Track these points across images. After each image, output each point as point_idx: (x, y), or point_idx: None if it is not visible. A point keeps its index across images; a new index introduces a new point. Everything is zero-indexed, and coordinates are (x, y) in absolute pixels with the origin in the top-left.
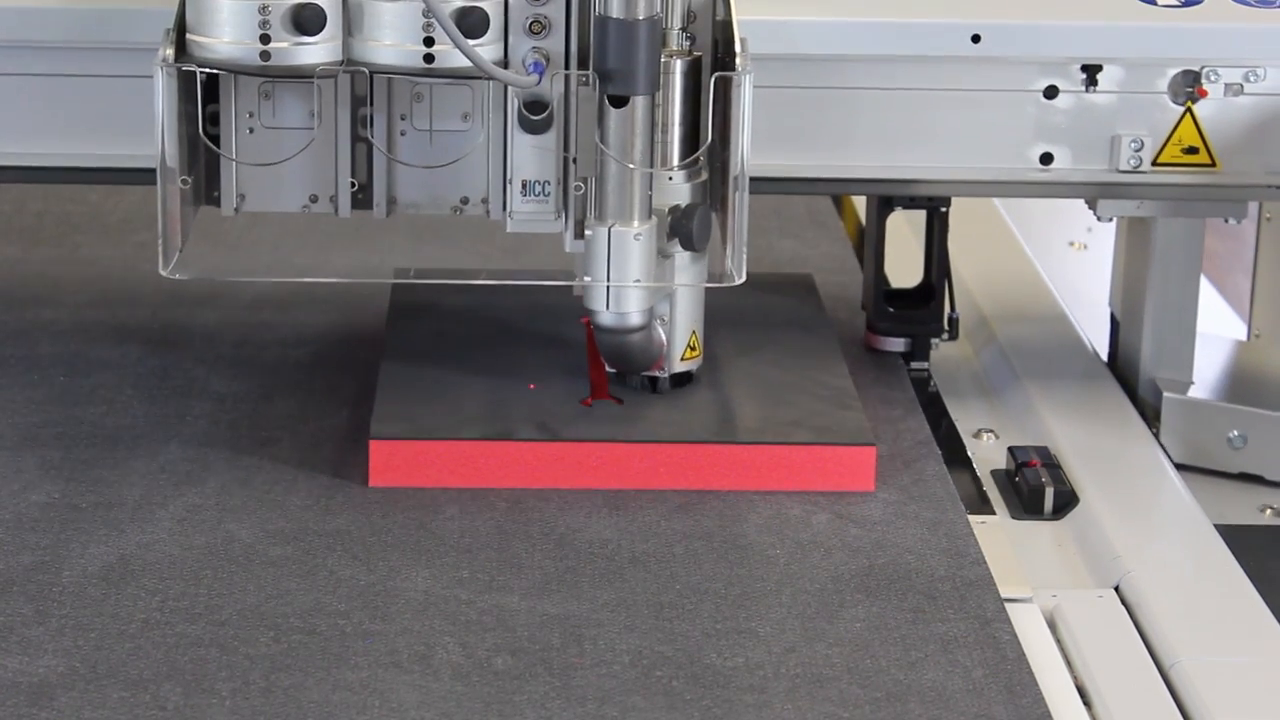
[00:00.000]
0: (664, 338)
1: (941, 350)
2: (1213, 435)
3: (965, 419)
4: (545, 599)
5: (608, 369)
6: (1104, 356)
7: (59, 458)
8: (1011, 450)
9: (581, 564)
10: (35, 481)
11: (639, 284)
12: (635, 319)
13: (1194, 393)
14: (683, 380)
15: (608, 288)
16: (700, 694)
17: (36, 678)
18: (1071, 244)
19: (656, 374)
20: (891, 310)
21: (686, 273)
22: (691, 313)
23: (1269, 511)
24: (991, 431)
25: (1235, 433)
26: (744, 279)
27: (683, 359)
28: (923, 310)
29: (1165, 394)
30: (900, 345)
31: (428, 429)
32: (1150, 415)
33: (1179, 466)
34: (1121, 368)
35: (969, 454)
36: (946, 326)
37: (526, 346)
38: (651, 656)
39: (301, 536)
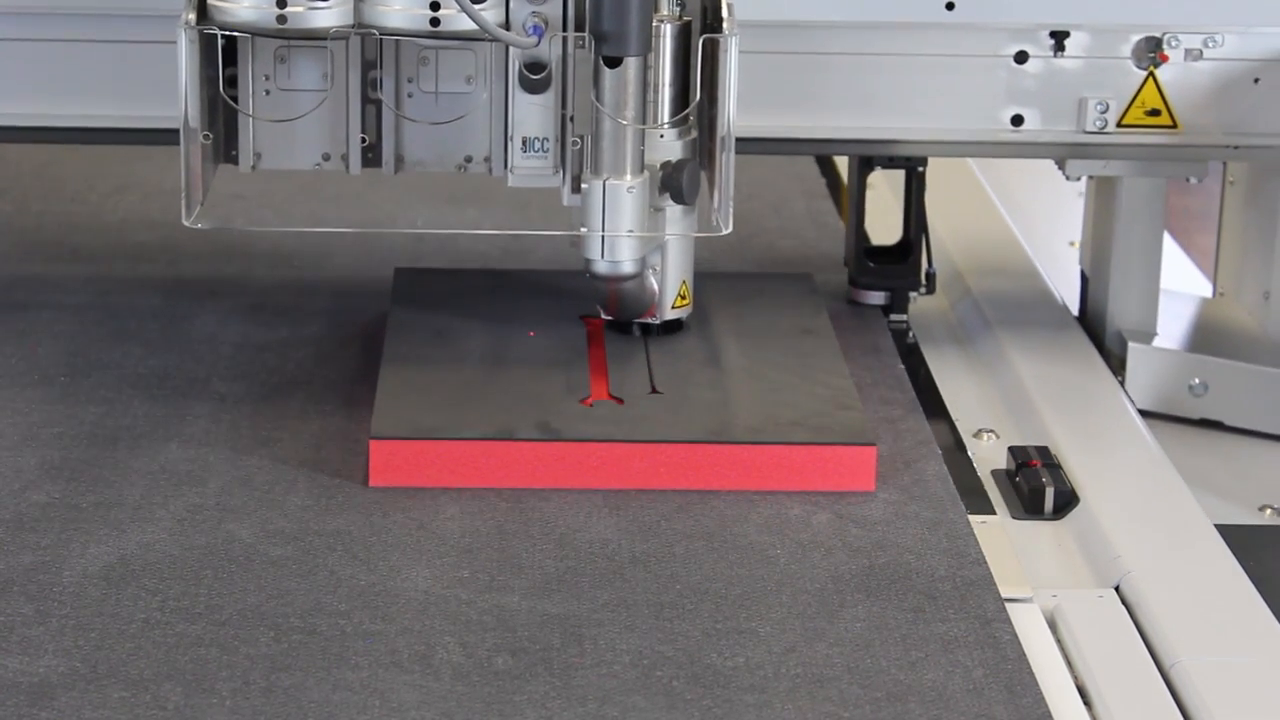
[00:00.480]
0: (656, 286)
1: (919, 303)
2: (1175, 383)
3: (941, 365)
4: (546, 599)
5: (602, 315)
6: (1075, 312)
7: (59, 458)
8: (1012, 450)
9: (582, 564)
10: (35, 481)
11: (632, 234)
12: (628, 267)
13: (1159, 343)
14: (673, 327)
15: (603, 237)
16: (700, 694)
17: (37, 678)
18: (1071, 244)
19: (649, 320)
20: (872, 265)
21: (677, 224)
22: (682, 263)
23: (1269, 512)
24: (992, 431)
25: (1196, 380)
26: (730, 229)
27: (673, 306)
28: (901, 265)
29: (1130, 344)
30: (880, 299)
31: (428, 429)
32: (1116, 365)
33: (1143, 413)
34: (1091, 321)
35: (969, 454)
36: (924, 281)
37: (527, 347)
38: (652, 656)
39: (302, 536)
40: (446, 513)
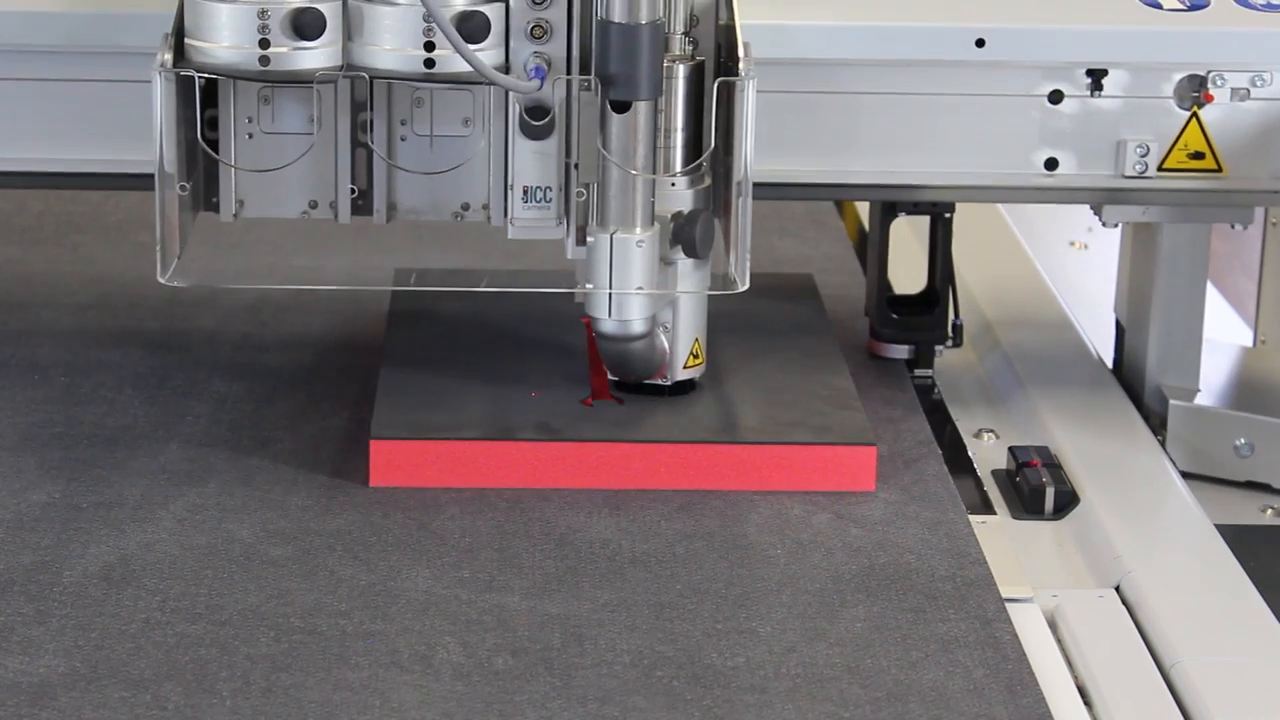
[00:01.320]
0: (666, 345)
1: (945, 357)
2: (1219, 443)
3: (968, 422)
4: (546, 599)
5: (610, 376)
6: (1109, 363)
7: (59, 458)
8: (1012, 450)
9: (582, 564)
10: (36, 481)
11: (641, 291)
12: (638, 326)
13: (1200, 400)
14: (685, 388)
15: (610, 295)
16: (701, 694)
17: (37, 677)
18: (1072, 244)
19: (659, 381)
20: (895, 317)
21: (689, 280)
22: (694, 320)
23: (1270, 512)
24: (992, 431)
25: (1242, 440)
26: (747, 286)
27: (685, 366)
28: (926, 317)
29: (1171, 401)
30: (904, 352)
31: (428, 429)
32: (1156, 423)
33: (1185, 475)
34: (1127, 374)
35: (969, 454)
36: (950, 333)
37: (527, 347)
38: (652, 656)
39: (302, 536)
40: (446, 513)
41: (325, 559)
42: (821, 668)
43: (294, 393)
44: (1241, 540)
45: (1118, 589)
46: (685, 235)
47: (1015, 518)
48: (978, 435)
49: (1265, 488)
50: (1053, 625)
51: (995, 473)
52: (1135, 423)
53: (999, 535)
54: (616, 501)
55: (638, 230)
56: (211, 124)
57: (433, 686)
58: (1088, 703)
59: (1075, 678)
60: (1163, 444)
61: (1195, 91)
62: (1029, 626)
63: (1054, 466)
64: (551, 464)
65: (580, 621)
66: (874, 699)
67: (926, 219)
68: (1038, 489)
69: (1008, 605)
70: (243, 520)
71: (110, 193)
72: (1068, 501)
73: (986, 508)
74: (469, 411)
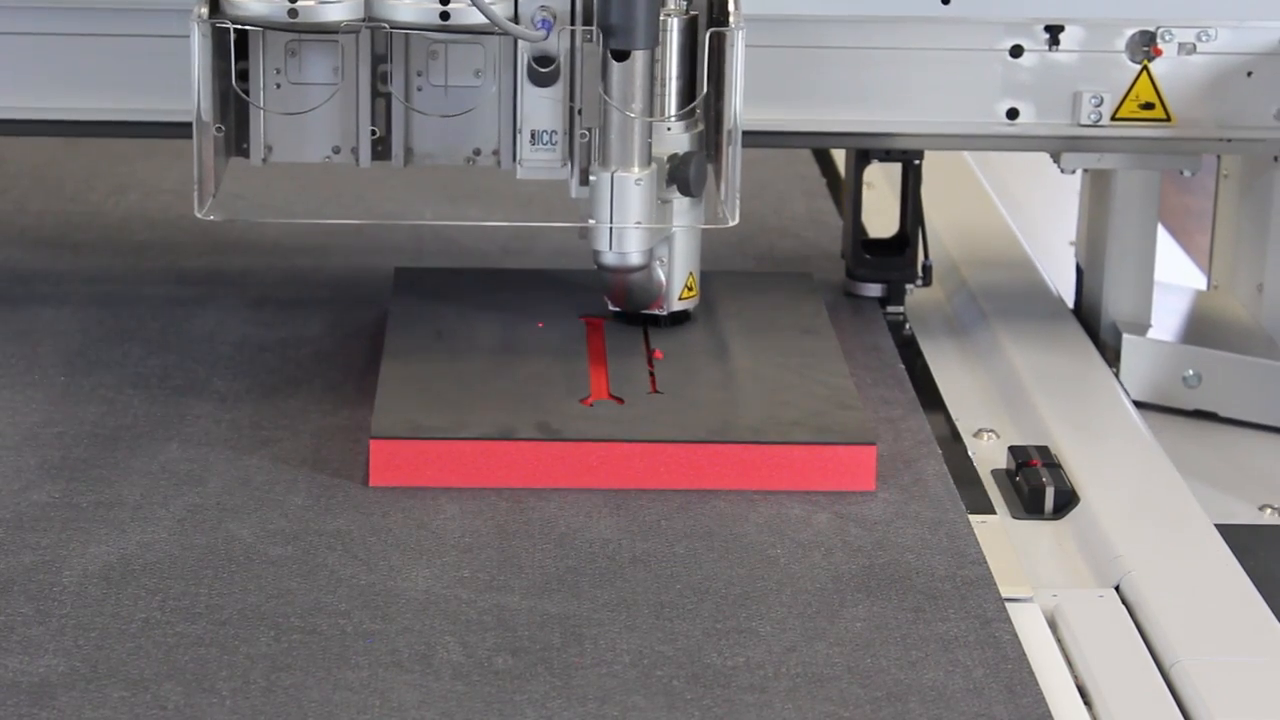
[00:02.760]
0: (663, 277)
1: (916, 295)
2: (1169, 374)
3: (936, 355)
4: (546, 598)
5: (610, 306)
6: (1070, 305)
7: (59, 457)
8: (1012, 450)
9: (582, 564)
10: (35, 481)
11: (640, 225)
12: (636, 259)
13: (1153, 335)
14: (680, 318)
15: (610, 229)
16: (701, 694)
17: (37, 677)
18: (1072, 243)
19: (656, 312)
20: (869, 258)
21: (684, 216)
22: (689, 255)
23: (1269, 511)
24: (992, 431)
25: (1190, 371)
26: (737, 220)
27: (680, 298)
28: (898, 258)
29: (1125, 335)
30: (877, 291)
31: (428, 429)
32: (1111, 356)
33: (1137, 404)
34: (1085, 313)
35: (969, 454)
36: (921, 273)
37: (528, 347)
38: (652, 656)
39: (302, 536)
40: (446, 513)
41: (325, 559)
42: (821, 667)
43: (294, 392)
44: (1241, 540)
45: (1118, 589)
46: (680, 175)
47: (1015, 517)
48: (977, 435)
49: (1213, 416)
50: (1053, 625)
51: (995, 472)
52: (1091, 355)
53: (999, 535)
54: (616, 501)
55: (636, 170)
56: (242, 75)
57: (433, 686)
58: (1087, 702)
59: (1075, 677)
60: (1116, 376)
61: (1145, 46)
62: (1029, 626)
63: (1054, 466)
64: (551, 464)
65: (580, 621)
66: (874, 699)
67: (898, 167)
68: (1038, 489)
69: (1007, 605)
70: (243, 520)
71: (110, 193)
72: (1067, 501)
73: (986, 507)
74: (469, 411)
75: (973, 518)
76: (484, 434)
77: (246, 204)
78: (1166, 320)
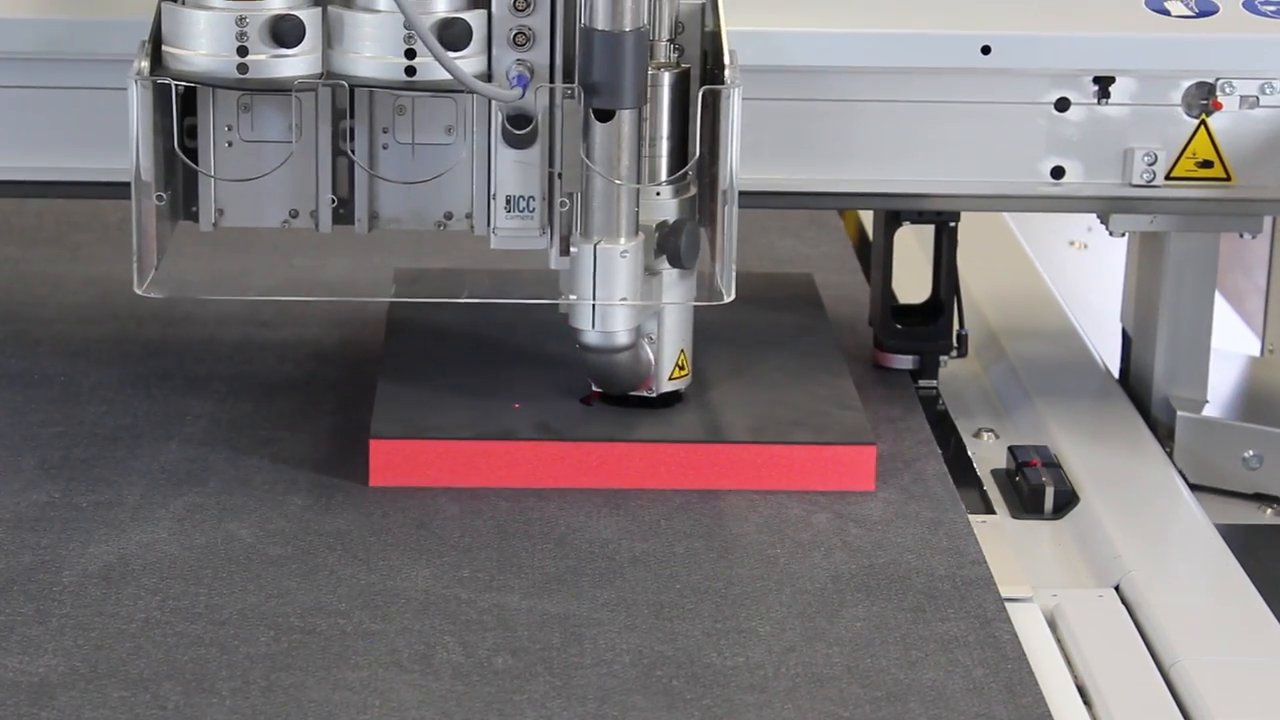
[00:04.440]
0: (651, 357)
1: (950, 368)
2: (1228, 455)
3: (977, 444)
4: (545, 598)
5: (594, 389)
6: (1115, 373)
7: (59, 457)
8: (1012, 450)
9: (582, 564)
10: (35, 481)
11: (626, 302)
12: (622, 338)
13: (1208, 411)
14: (670, 400)
15: (594, 306)
16: (700, 693)
17: (37, 677)
18: (1072, 243)
19: (644, 394)
20: (899, 327)
21: (674, 290)
22: (680, 331)
23: (1269, 511)
24: (992, 431)
25: (1251, 453)
26: (733, 297)
27: (670, 378)
28: (931, 327)
29: (1179, 413)
30: (908, 363)
31: (428, 428)
32: (1164, 435)
33: (1194, 487)
34: (1134, 385)
35: (969, 454)
36: (955, 343)
37: (528, 346)
38: (652, 656)
39: (301, 536)
40: (446, 513)
41: (325, 558)
42: (821, 667)
43: (294, 392)
44: (1241, 540)
45: (1117, 589)
46: (670, 245)
47: (1015, 517)
48: (977, 435)
49: (1276, 500)
50: (1052, 625)
51: (995, 472)
52: (1143, 435)
53: (999, 535)
54: (616, 501)
55: (622, 240)
56: (190, 132)
57: (432, 686)
58: (1087, 702)
59: (1075, 677)
60: (1171, 457)
61: (1204, 99)
62: (1029, 626)
63: (1054, 466)
64: (551, 464)
65: (580, 621)
66: (874, 699)
67: (929, 228)
68: (1037, 489)
69: (1007, 605)
70: (243, 520)
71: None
72: (1067, 501)
73: (986, 507)
74: (469, 411)
75: (973, 518)
76: (484, 434)
77: (193, 281)
78: (1219, 390)
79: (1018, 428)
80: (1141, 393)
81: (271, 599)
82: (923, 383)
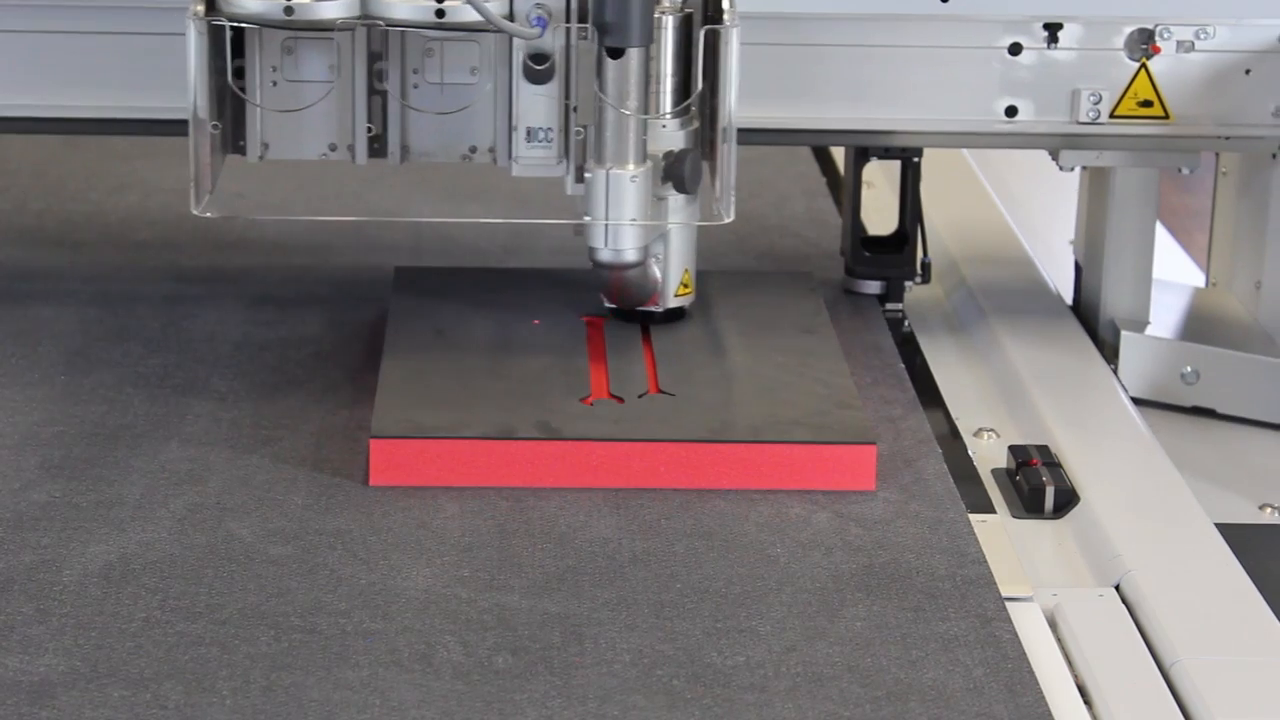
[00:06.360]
0: (659, 274)
1: (915, 293)
2: (1167, 371)
3: (935, 352)
4: (546, 598)
5: (606, 304)
6: (1069, 301)
7: (59, 457)
8: (1012, 449)
9: (582, 563)
10: (36, 480)
11: (635, 222)
12: (631, 255)
13: (1151, 332)
14: (676, 315)
15: (606, 226)
16: (701, 693)
17: (37, 676)
18: (1071, 242)
19: (651, 308)
20: (868, 255)
21: (679, 213)
22: (684, 251)
23: (1269, 510)
24: (992, 430)
25: (1189, 368)
26: (732, 218)
27: (676, 295)
28: (897, 255)
29: (1123, 332)
30: (876, 288)
31: (428, 428)
32: (1109, 353)
33: (1136, 400)
34: (1084, 310)
35: (969, 453)
36: (919, 270)
37: (528, 346)
38: (652, 655)
39: (302, 536)
40: (446, 512)
41: (325, 558)
42: (821, 667)
43: (294, 391)
44: (1241, 539)
45: (1118, 588)
46: (675, 172)
47: (1015, 517)
48: (978, 434)
49: (1210, 412)
50: (1053, 624)
51: (995, 472)
52: (1090, 351)
53: (999, 534)
54: (616, 501)
55: (631, 166)
56: (238, 73)
57: (433, 685)
58: (1088, 702)
59: (1075, 677)
60: (1115, 373)
61: (1144, 44)
62: (1029, 625)
63: (1054, 465)
64: (552, 463)
65: (580, 620)
66: (874, 698)
67: (898, 165)
68: (1038, 488)
69: (1007, 604)
70: (243, 519)
71: (111, 192)
72: (1067, 500)
73: (986, 507)
74: (469, 410)
75: (973, 517)
76: (484, 433)
77: (244, 202)
78: (1165, 317)
79: (976, 349)
80: (1090, 316)
81: (272, 598)
82: (889, 306)
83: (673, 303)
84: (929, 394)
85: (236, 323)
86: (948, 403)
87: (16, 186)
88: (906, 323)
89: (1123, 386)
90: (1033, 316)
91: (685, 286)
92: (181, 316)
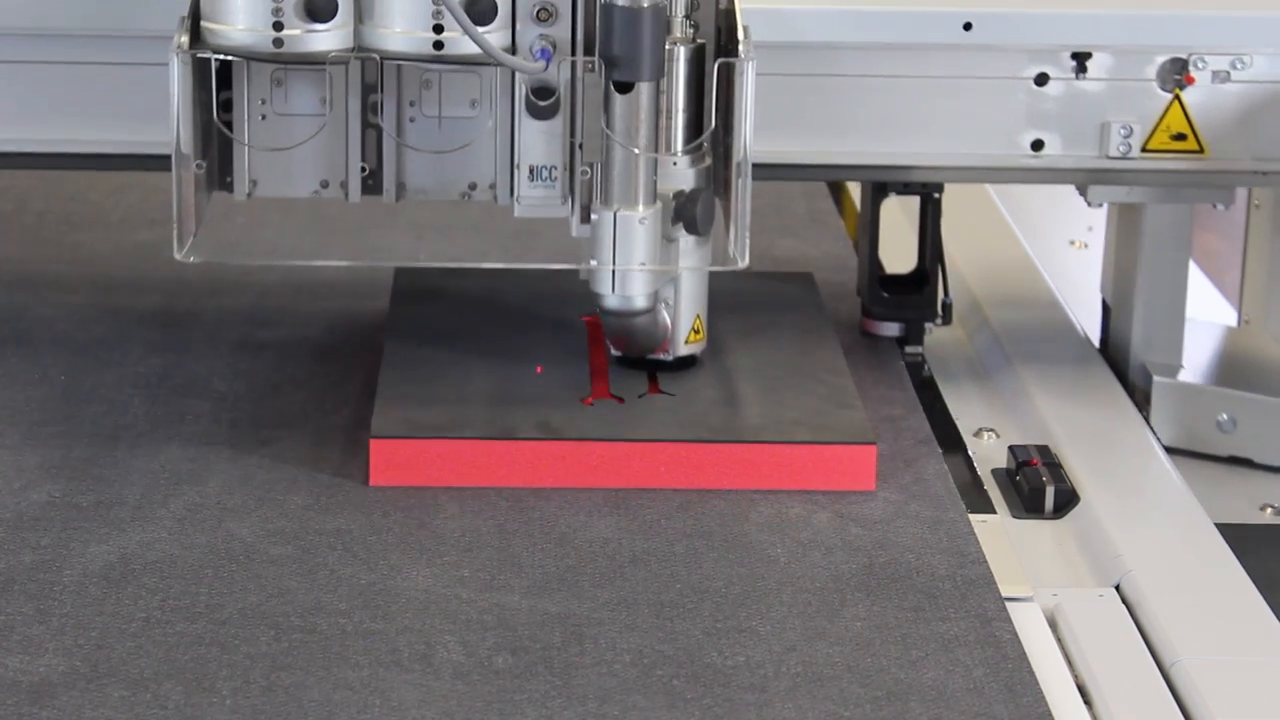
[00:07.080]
0: (668, 321)
1: (935, 335)
2: (1202, 418)
3: (959, 404)
4: (546, 598)
5: (613, 352)
6: (1096, 343)
7: (59, 457)
8: (1012, 449)
9: (582, 563)
10: (36, 480)
11: (644, 267)
12: (640, 302)
13: (1184, 377)
14: (687, 363)
15: (613, 271)
16: (701, 693)
17: (37, 676)
18: (1072, 243)
19: (661, 357)
20: (886, 295)
21: (690, 256)
22: (695, 296)
23: (1269, 510)
24: (992, 430)
25: (1225, 416)
26: (747, 263)
27: (687, 342)
28: (917, 295)
29: (1155, 378)
30: (895, 330)
31: (428, 428)
32: (1140, 399)
33: (1169, 450)
34: (1113, 353)
35: (969, 453)
36: (940, 311)
37: (528, 345)
38: (652, 655)
39: (302, 536)
40: (446, 512)
41: (325, 558)
42: (821, 667)
43: (294, 392)
44: (1240, 539)
45: (1118, 588)
46: (687, 213)
47: (1015, 517)
48: (978, 434)
49: (1248, 463)
50: (1053, 624)
51: (995, 472)
52: (1120, 399)
53: (999, 534)
54: (616, 501)
55: (640, 208)
56: (225, 106)
57: (433, 685)
58: (1087, 702)
59: (1075, 677)
60: (1147, 420)
61: (1177, 74)
62: (1029, 625)
63: (1054, 465)
64: (552, 463)
65: (580, 620)
66: (874, 698)
67: (917, 201)
68: (1037, 488)
69: (1008, 604)
70: (243, 519)
71: (111, 193)
72: (1067, 500)
73: (986, 507)
74: (469, 410)
75: (973, 517)
76: (484, 434)
77: (230, 246)
78: (1197, 359)
79: (1000, 394)
80: (1119, 360)
81: (272, 599)
82: (908, 349)
83: (683, 350)
84: (962, 469)
85: (236, 323)
86: (971, 453)
87: (17, 187)
88: (926, 367)
89: (1156, 436)
90: (1061, 363)
91: (696, 333)
92: (181, 317)
